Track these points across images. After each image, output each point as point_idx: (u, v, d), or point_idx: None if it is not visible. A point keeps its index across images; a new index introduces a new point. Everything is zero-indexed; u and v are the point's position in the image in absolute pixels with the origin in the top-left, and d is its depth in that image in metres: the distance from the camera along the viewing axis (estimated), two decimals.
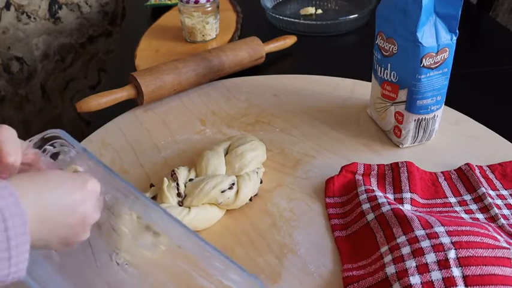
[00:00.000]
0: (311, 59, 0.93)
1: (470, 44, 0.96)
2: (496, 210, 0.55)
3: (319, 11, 1.09)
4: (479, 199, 0.57)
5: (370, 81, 0.70)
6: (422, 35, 0.58)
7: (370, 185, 0.58)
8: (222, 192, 0.56)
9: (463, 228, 0.48)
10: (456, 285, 0.43)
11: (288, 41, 0.91)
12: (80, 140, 0.64)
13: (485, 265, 0.44)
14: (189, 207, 0.55)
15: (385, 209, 0.53)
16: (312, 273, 0.50)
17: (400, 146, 0.67)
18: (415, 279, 0.44)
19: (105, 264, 0.47)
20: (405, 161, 0.61)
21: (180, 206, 0.55)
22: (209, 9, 0.93)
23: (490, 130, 0.69)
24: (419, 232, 0.48)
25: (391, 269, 0.46)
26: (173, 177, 0.57)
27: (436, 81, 0.61)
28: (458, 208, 0.56)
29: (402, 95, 0.63)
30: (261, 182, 0.61)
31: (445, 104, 0.65)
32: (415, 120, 0.64)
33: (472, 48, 0.95)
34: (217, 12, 0.96)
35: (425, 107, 0.63)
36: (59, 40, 1.44)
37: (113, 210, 0.46)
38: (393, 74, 0.63)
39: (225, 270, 0.40)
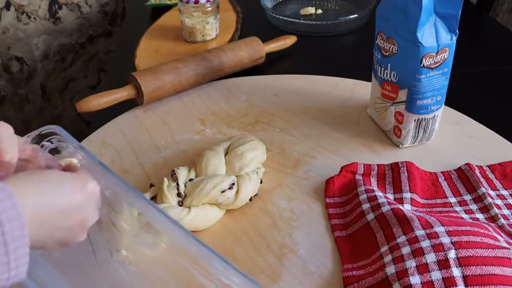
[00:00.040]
0: (311, 59, 0.93)
1: (470, 44, 0.96)
2: (496, 210, 0.55)
3: (319, 11, 1.09)
4: (479, 199, 0.57)
5: (370, 81, 0.70)
6: (422, 35, 0.58)
7: (370, 185, 0.58)
8: (222, 192, 0.56)
9: (463, 228, 0.48)
10: (456, 285, 0.43)
11: (288, 41, 0.91)
12: (80, 140, 0.64)
13: (485, 265, 0.44)
14: (189, 207, 0.55)
15: (385, 209, 0.53)
16: (312, 273, 0.50)
17: (400, 146, 0.67)
18: (415, 279, 0.44)
19: (105, 261, 0.47)
20: (405, 161, 0.61)
21: (180, 206, 0.55)
22: (209, 9, 0.93)
23: (490, 130, 0.69)
24: (419, 232, 0.48)
25: (391, 269, 0.46)
26: (173, 177, 0.57)
27: (436, 81, 0.61)
28: (458, 208, 0.56)
29: (402, 95, 0.63)
30: (261, 182, 0.61)
31: (445, 104, 0.65)
32: (415, 120, 0.64)
33: (472, 48, 0.95)
34: (217, 12, 0.96)
35: (425, 107, 0.63)
36: (59, 40, 1.44)
37: (113, 206, 0.46)
38: (393, 74, 0.63)
39: (225, 271, 0.40)
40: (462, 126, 0.70)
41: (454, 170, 0.61)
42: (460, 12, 0.58)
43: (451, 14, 0.58)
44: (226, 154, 0.61)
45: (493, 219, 0.54)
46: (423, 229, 0.48)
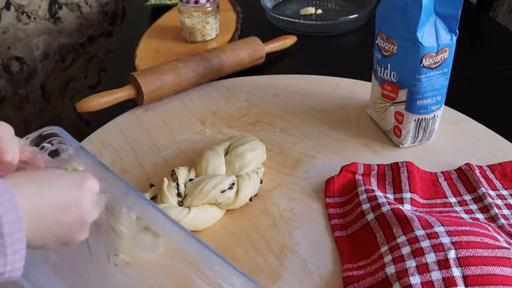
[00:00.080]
0: (311, 59, 0.93)
1: (470, 44, 0.96)
2: (496, 210, 0.55)
3: (319, 11, 1.09)
4: (479, 199, 0.57)
5: (370, 81, 0.70)
6: (422, 35, 0.58)
7: (370, 185, 0.58)
8: (222, 192, 0.56)
9: (463, 228, 0.48)
10: (456, 285, 0.43)
11: (288, 41, 0.91)
12: (80, 140, 0.64)
13: (485, 265, 0.44)
14: (189, 207, 0.55)
15: (385, 209, 0.53)
16: (312, 273, 0.50)
17: (400, 146, 0.67)
18: (415, 279, 0.44)
19: (102, 265, 0.46)
20: (405, 161, 0.61)
21: (180, 206, 0.55)
22: (209, 9, 0.93)
23: (490, 130, 0.69)
24: (419, 232, 0.48)
25: (391, 269, 0.46)
26: (173, 177, 0.57)
27: (436, 81, 0.61)
28: (458, 208, 0.56)
29: (402, 95, 0.63)
30: (261, 182, 0.61)
31: (445, 104, 0.65)
32: (415, 120, 0.64)
33: (472, 48, 0.95)
34: (217, 12, 0.96)
35: (425, 107, 0.63)
36: (59, 40, 1.44)
37: (112, 209, 0.46)
38: (393, 74, 0.63)
39: (224, 273, 0.40)
40: (462, 126, 0.70)
41: (454, 170, 0.61)
42: (460, 12, 0.58)
43: (451, 14, 0.58)
44: (226, 154, 0.61)
45: (493, 219, 0.54)
46: (423, 229, 0.48)
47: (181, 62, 0.79)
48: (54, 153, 0.47)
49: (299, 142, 0.68)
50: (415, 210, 0.55)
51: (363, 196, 0.56)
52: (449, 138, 0.68)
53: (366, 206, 0.55)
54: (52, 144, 0.46)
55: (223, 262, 0.39)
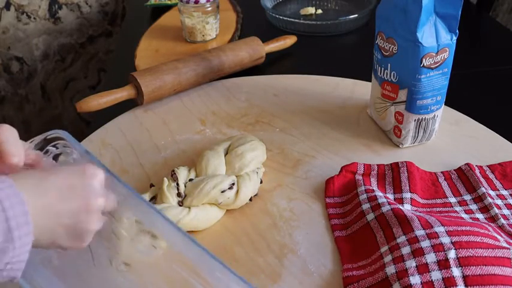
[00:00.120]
0: (311, 59, 0.93)
1: (470, 44, 0.96)
2: (496, 210, 0.55)
3: (319, 11, 1.09)
4: (479, 199, 0.57)
5: (370, 81, 0.70)
6: (422, 35, 0.58)
7: (370, 185, 0.58)
8: (222, 192, 0.56)
9: (463, 228, 0.48)
10: (456, 285, 0.43)
11: (288, 41, 0.91)
12: (80, 140, 0.64)
13: (485, 265, 0.44)
14: (189, 207, 0.55)
15: (385, 209, 0.53)
16: (312, 273, 0.50)
17: (400, 146, 0.67)
18: (415, 279, 0.44)
19: (105, 269, 0.46)
20: (405, 161, 0.61)
21: (180, 206, 0.55)
22: (209, 9, 0.93)
23: (490, 130, 0.69)
24: (419, 232, 0.48)
25: (391, 269, 0.46)
26: (173, 177, 0.57)
27: (436, 81, 0.61)
28: (458, 208, 0.56)
29: (402, 95, 0.63)
30: (261, 182, 0.61)
31: (445, 104, 0.65)
32: (415, 120, 0.64)
33: (472, 48, 0.95)
34: (217, 12, 0.96)
35: (425, 107, 0.63)
36: (59, 40, 1.44)
37: (113, 213, 0.46)
38: (393, 74, 0.63)
39: (223, 278, 0.39)
40: (462, 126, 0.70)
41: (454, 170, 0.61)
42: (460, 12, 0.58)
43: (451, 14, 0.58)
44: (226, 154, 0.61)
45: (493, 219, 0.54)
46: (423, 229, 0.48)
47: (181, 62, 0.79)
48: (58, 157, 0.47)
49: (299, 142, 0.68)
50: (415, 210, 0.55)
51: (363, 196, 0.56)
52: (449, 138, 0.68)
53: (366, 206, 0.55)
54: (57, 148, 0.46)
55: (222, 267, 0.39)
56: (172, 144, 0.69)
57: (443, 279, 0.44)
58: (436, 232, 0.48)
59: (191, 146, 0.68)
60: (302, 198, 0.59)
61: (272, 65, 0.90)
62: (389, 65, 0.63)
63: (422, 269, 0.45)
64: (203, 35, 0.96)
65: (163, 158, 0.66)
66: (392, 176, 0.60)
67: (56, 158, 0.46)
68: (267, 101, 0.78)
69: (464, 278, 0.44)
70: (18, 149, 0.40)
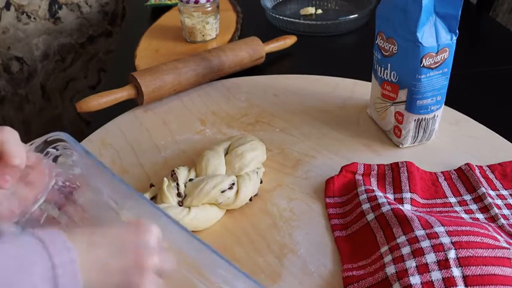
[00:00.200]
0: (311, 59, 0.93)
1: (470, 44, 0.96)
2: (496, 210, 0.55)
3: (319, 11, 1.09)
4: (479, 199, 0.57)
5: (370, 81, 0.70)
6: (422, 35, 0.58)
7: (370, 185, 0.58)
8: (222, 192, 0.56)
9: (463, 228, 0.48)
10: (456, 285, 0.43)
11: (288, 41, 0.91)
12: (79, 140, 0.64)
13: (485, 265, 0.44)
14: (189, 207, 0.55)
15: (385, 209, 0.53)
16: (312, 273, 0.50)
17: (400, 146, 0.67)
18: (415, 279, 0.44)
19: None
20: (405, 161, 0.61)
21: (180, 206, 0.55)
22: (209, 9, 0.93)
23: (490, 130, 0.69)
24: (419, 232, 0.48)
25: (391, 269, 0.46)
26: (173, 177, 0.57)
27: (436, 81, 0.61)
28: (458, 208, 0.56)
29: (402, 95, 0.63)
30: (261, 182, 0.61)
31: (445, 104, 0.65)
32: (415, 120, 0.64)
33: (472, 48, 0.95)
34: (217, 12, 0.96)
35: (425, 107, 0.63)
36: (59, 40, 1.44)
37: (114, 215, 0.46)
38: (393, 74, 0.63)
39: (228, 277, 0.39)
40: (462, 126, 0.70)
41: (454, 170, 0.61)
42: (460, 12, 0.58)
43: (451, 14, 0.58)
44: (226, 154, 0.61)
45: (493, 219, 0.54)
46: (423, 229, 0.48)
47: (181, 62, 0.79)
48: (58, 159, 0.47)
49: (299, 142, 0.68)
50: (415, 210, 0.55)
51: (363, 196, 0.56)
52: (449, 138, 0.68)
53: (366, 206, 0.55)
54: (57, 150, 0.46)
55: (227, 264, 0.39)
56: (172, 144, 0.69)
57: (443, 279, 0.44)
58: (436, 232, 0.48)
59: (191, 146, 0.68)
60: (302, 198, 0.59)
61: (272, 65, 0.90)
62: (389, 65, 0.63)
63: (422, 269, 0.45)
64: (203, 35, 0.96)
65: (163, 158, 0.66)
66: (392, 176, 0.60)
67: (55, 159, 0.46)
68: (267, 101, 0.78)
69: (464, 278, 0.44)
70: (19, 151, 0.40)
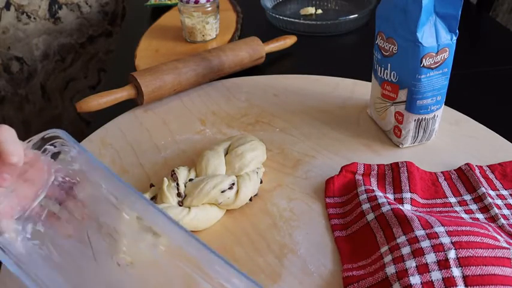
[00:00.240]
0: (311, 59, 0.93)
1: (470, 44, 0.96)
2: (496, 210, 0.55)
3: (319, 11, 1.09)
4: (479, 199, 0.57)
5: (370, 81, 0.70)
6: (422, 35, 0.58)
7: (370, 185, 0.58)
8: (222, 192, 0.56)
9: (463, 228, 0.48)
10: (456, 285, 0.43)
11: (288, 41, 0.91)
12: (79, 140, 0.64)
13: (485, 265, 0.44)
14: (189, 207, 0.55)
15: (385, 209, 0.53)
16: (312, 273, 0.50)
17: (400, 146, 0.67)
18: (415, 279, 0.44)
19: (105, 265, 0.46)
20: (405, 161, 0.61)
21: (180, 206, 0.55)
22: (209, 9, 0.93)
23: (490, 130, 0.69)
24: (419, 232, 0.48)
25: (391, 269, 0.46)
26: (173, 177, 0.57)
27: (436, 81, 0.61)
28: (458, 208, 0.56)
29: (402, 95, 0.63)
30: (261, 182, 0.61)
31: (445, 104, 0.65)
32: (415, 120, 0.64)
33: (472, 48, 0.95)
34: (217, 12, 0.96)
35: (425, 107, 0.63)
36: (59, 40, 1.44)
37: (113, 210, 0.46)
38: (393, 74, 0.63)
39: (225, 273, 0.39)
40: (462, 126, 0.70)
41: (454, 170, 0.61)
42: (460, 12, 0.58)
43: (451, 14, 0.58)
44: (226, 154, 0.61)
45: (493, 219, 0.54)
46: (423, 229, 0.48)
47: (181, 62, 0.79)
48: (56, 155, 0.47)
49: (299, 142, 0.68)
50: (415, 210, 0.55)
51: (363, 196, 0.56)
52: (449, 138, 0.68)
53: (366, 206, 0.55)
54: (55, 147, 0.46)
55: (224, 263, 0.39)
56: (172, 144, 0.69)
57: (443, 279, 0.44)
58: (436, 232, 0.48)
59: (191, 146, 0.68)
60: (302, 198, 0.59)
61: (272, 65, 0.90)
62: (389, 65, 0.63)
63: (422, 269, 0.45)
64: (203, 35, 0.96)
65: (163, 158, 0.66)
66: (392, 176, 0.60)
67: (54, 156, 0.46)
68: (267, 101, 0.78)
69: (464, 278, 0.44)
70: (17, 149, 0.40)
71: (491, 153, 0.64)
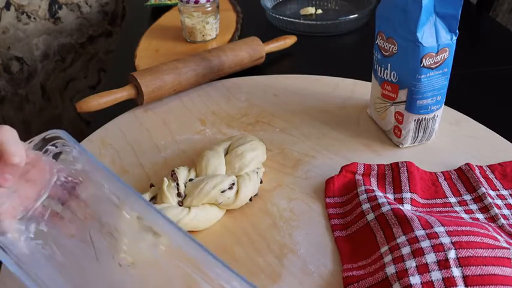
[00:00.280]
0: (311, 59, 0.93)
1: (470, 44, 0.96)
2: (496, 210, 0.55)
3: (319, 11, 1.09)
4: (479, 199, 0.57)
5: (370, 81, 0.70)
6: (422, 35, 0.58)
7: (370, 185, 0.58)
8: (222, 192, 0.56)
9: (463, 228, 0.48)
10: (456, 285, 0.43)
11: (288, 41, 0.91)
12: (80, 140, 0.64)
13: (485, 265, 0.44)
14: (189, 207, 0.55)
15: (385, 209, 0.53)
16: (312, 273, 0.50)
17: (400, 146, 0.67)
18: (415, 279, 0.44)
19: (107, 265, 0.46)
20: (405, 161, 0.61)
21: (180, 206, 0.55)
22: (209, 9, 0.93)
23: (490, 130, 0.69)
24: (419, 232, 0.48)
25: (391, 269, 0.46)
26: (173, 177, 0.57)
27: (436, 81, 0.61)
28: (458, 208, 0.56)
29: (402, 95, 0.63)
30: (261, 182, 0.61)
31: (445, 104, 0.65)
32: (415, 120, 0.64)
33: (472, 48, 0.95)
34: (217, 12, 0.96)
35: (425, 107, 0.63)
36: (59, 40, 1.44)
37: (114, 210, 0.46)
38: (393, 74, 0.63)
39: (225, 275, 0.40)
40: (462, 126, 0.70)
41: (454, 170, 0.61)
42: (460, 12, 0.58)
43: (451, 14, 0.58)
44: (226, 154, 0.61)
45: (493, 219, 0.54)
46: (423, 229, 0.48)
47: (181, 62, 0.79)
48: (58, 156, 0.47)
49: (299, 142, 0.68)
50: (415, 210, 0.55)
51: (363, 196, 0.56)
52: (449, 138, 0.68)
53: (366, 206, 0.55)
54: (56, 147, 0.46)
55: (222, 265, 0.39)
56: (172, 144, 0.69)
57: (443, 279, 0.44)
58: (436, 232, 0.48)
59: (191, 146, 0.68)
60: (302, 198, 0.59)
61: (272, 65, 0.90)
62: (389, 65, 0.63)
63: (422, 269, 0.45)
64: (203, 35, 0.96)
65: (163, 158, 0.66)
66: (392, 176, 0.60)
67: (55, 157, 0.46)
68: (267, 101, 0.78)
69: (464, 278, 0.44)
70: (19, 149, 0.40)
71: (491, 153, 0.64)
